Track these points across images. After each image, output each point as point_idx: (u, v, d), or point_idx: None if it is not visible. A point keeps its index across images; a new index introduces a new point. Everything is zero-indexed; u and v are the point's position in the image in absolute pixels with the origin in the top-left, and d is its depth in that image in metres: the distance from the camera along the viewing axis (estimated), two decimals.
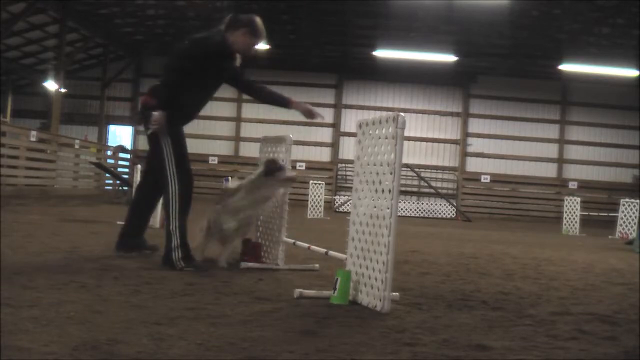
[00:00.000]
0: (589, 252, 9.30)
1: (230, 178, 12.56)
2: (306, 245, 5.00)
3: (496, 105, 25.02)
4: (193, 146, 28.09)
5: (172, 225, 4.92)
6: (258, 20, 5.17)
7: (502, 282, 5.26)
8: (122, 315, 3.10)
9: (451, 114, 25.19)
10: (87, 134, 23.89)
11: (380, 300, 3.57)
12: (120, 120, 25.48)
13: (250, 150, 24.31)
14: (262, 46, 21.06)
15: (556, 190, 24.65)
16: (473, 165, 25.17)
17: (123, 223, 5.53)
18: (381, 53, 21.09)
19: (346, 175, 24.15)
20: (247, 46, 5.19)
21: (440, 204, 22.68)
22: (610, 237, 14.08)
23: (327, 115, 25.01)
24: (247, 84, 5.40)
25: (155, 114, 4.90)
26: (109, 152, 22.72)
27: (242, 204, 5.16)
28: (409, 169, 21.15)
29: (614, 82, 22.22)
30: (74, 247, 5.75)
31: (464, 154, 25.09)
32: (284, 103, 5.27)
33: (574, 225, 15.24)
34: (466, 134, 25.09)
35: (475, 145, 25.11)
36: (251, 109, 25.11)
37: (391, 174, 3.58)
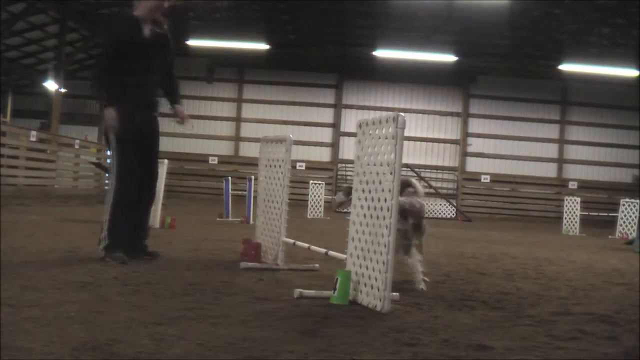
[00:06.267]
0: (589, 252, 9.30)
1: (230, 178, 12.62)
2: (306, 245, 4.99)
3: (496, 105, 25.01)
4: (193, 146, 28.13)
5: (104, 217, 5.11)
6: None
7: (502, 282, 5.26)
8: (122, 315, 3.10)
9: (451, 114, 25.19)
10: (87, 134, 23.89)
11: (380, 300, 3.57)
12: None
13: (250, 150, 24.31)
14: (261, 45, 21.13)
15: (556, 190, 24.65)
16: (473, 165, 25.17)
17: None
18: (381, 53, 21.08)
19: (346, 175, 24.14)
20: (153, 9, 5.11)
21: (440, 204, 22.67)
22: (610, 237, 14.07)
23: (327, 115, 25.05)
24: (167, 67, 5.37)
25: (107, 112, 5.04)
26: (109, 152, 22.70)
27: None
28: (409, 169, 21.15)
29: (614, 82, 22.20)
30: (74, 247, 5.74)
31: (464, 154, 25.09)
32: (174, 101, 5.51)
33: (574, 225, 15.23)
34: (466, 134, 25.09)
35: (475, 145, 25.11)
36: (251, 109, 25.13)
37: (391, 174, 3.57)
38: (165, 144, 23.81)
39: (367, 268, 3.75)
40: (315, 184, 16.16)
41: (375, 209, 3.73)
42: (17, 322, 2.82)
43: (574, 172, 24.97)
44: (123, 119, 5.05)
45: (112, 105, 5.05)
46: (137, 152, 5.19)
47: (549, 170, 25.09)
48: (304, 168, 23.85)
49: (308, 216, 15.38)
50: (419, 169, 23.09)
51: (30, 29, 20.11)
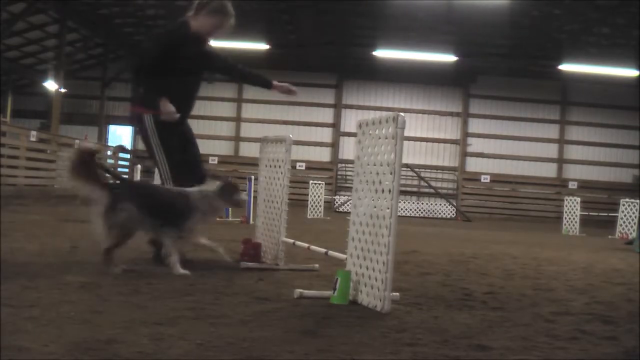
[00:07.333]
0: (589, 252, 9.30)
1: (230, 178, 12.60)
2: (306, 245, 4.99)
3: (496, 105, 25.02)
4: None
5: None
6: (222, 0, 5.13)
7: (502, 282, 5.26)
8: (122, 315, 3.10)
9: (451, 114, 25.20)
10: (87, 134, 23.88)
11: (380, 300, 3.57)
12: (120, 120, 25.48)
13: (250, 150, 24.32)
14: (261, 45, 21.14)
15: (556, 190, 24.66)
16: (473, 165, 25.17)
17: None
18: (381, 53, 21.09)
19: (346, 175, 24.15)
20: (210, 27, 5.14)
21: (440, 204, 22.67)
22: (610, 237, 14.08)
23: (327, 115, 25.04)
24: (228, 68, 5.51)
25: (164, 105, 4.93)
26: (109, 152, 22.72)
27: None
28: (409, 169, 21.15)
29: (614, 82, 22.22)
30: (73, 247, 5.74)
31: (464, 154, 25.09)
32: (265, 85, 5.61)
33: (574, 225, 15.24)
34: (466, 134, 25.10)
35: (475, 145, 25.12)
36: (251, 109, 25.13)
37: (391, 174, 3.57)
38: None
39: (367, 268, 3.75)
40: (315, 184, 16.16)
41: (375, 208, 3.73)
42: (17, 322, 2.82)
43: (574, 172, 24.98)
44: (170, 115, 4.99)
45: (152, 103, 4.97)
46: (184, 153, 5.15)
47: (549, 170, 25.09)
48: (304, 168, 23.86)
49: (308, 216, 15.38)
50: (419, 169, 23.10)
51: (30, 29, 20.10)
